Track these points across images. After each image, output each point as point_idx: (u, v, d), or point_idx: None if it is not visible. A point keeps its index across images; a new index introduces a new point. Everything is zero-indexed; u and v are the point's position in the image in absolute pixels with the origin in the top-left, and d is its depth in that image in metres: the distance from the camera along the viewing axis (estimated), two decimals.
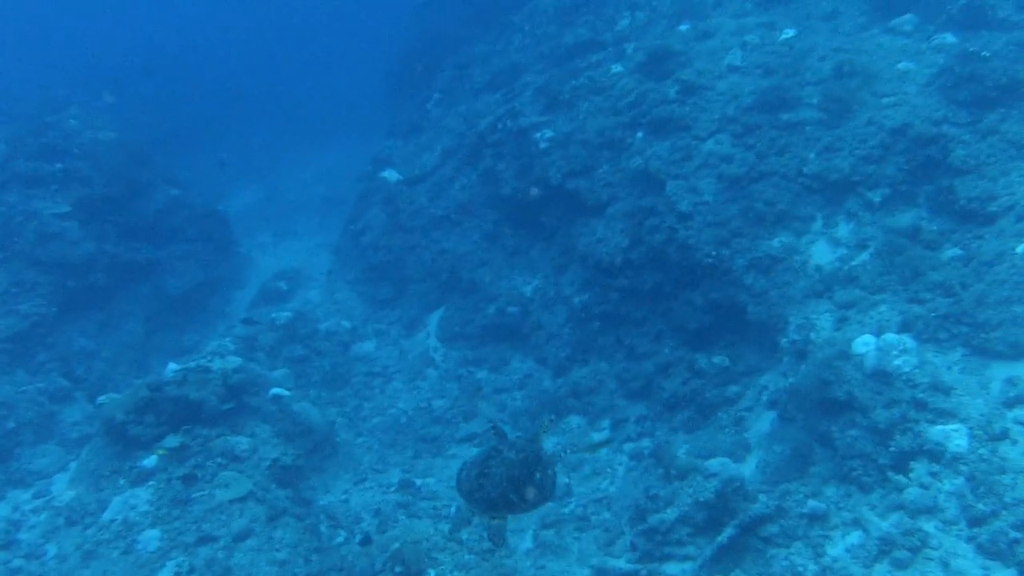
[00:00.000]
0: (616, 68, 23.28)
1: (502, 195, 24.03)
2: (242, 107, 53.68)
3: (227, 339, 22.66)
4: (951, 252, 15.09)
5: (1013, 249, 14.17)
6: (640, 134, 20.91)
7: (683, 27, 24.46)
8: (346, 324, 24.47)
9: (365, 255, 27.16)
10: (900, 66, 19.24)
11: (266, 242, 35.15)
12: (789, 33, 21.89)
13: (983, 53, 17.36)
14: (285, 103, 55.42)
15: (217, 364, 18.53)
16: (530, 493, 8.17)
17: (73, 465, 18.86)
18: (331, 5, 78.09)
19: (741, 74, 20.90)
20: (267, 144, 49.45)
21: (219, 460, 16.50)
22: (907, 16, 21.34)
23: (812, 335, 15.14)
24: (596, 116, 22.19)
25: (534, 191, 22.69)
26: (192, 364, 18.61)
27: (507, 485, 8.12)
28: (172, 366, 18.77)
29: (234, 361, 18.83)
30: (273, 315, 23.66)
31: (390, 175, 28.39)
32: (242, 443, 17.01)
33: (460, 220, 25.46)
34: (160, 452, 16.31)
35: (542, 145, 22.65)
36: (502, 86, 28.50)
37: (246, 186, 43.77)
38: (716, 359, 17.72)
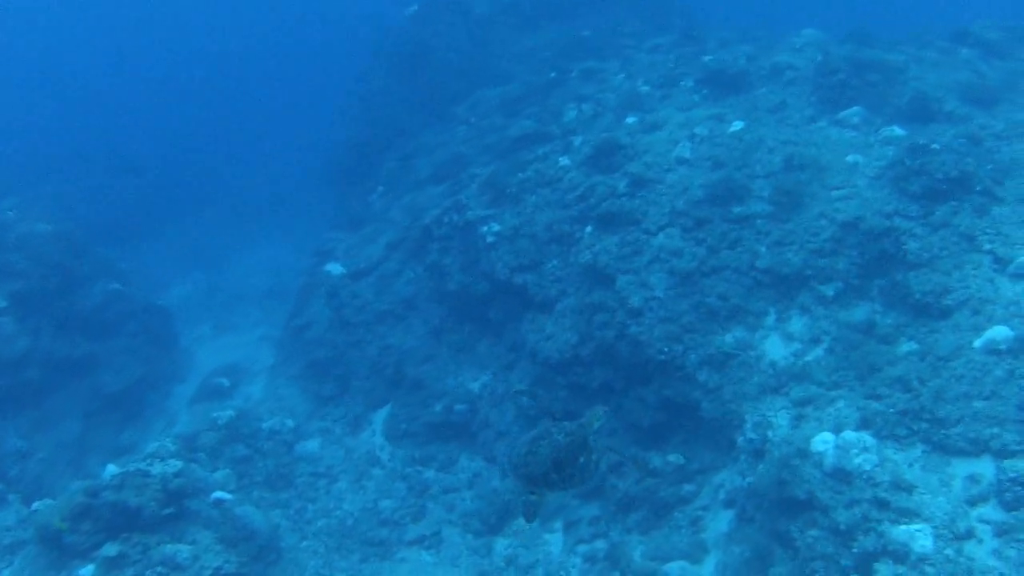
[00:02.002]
0: (563, 161, 23.49)
1: (448, 290, 24.01)
2: (183, 196, 53.42)
3: (167, 439, 22.21)
4: (907, 347, 15.24)
5: (970, 343, 14.35)
6: (589, 228, 21.03)
7: (630, 119, 24.81)
8: (289, 422, 24.13)
9: (308, 350, 26.91)
10: (849, 159, 19.62)
11: (207, 335, 34.71)
12: (738, 125, 22.24)
13: (933, 146, 17.75)
14: (227, 191, 55.27)
15: (157, 468, 18.16)
16: (570, 475, 8.76)
17: (6, 573, 18.30)
18: (273, 93, 78.59)
19: (690, 167, 21.17)
20: (208, 233, 49.23)
21: (159, 569, 16.10)
22: (854, 108, 21.84)
23: (769, 433, 15.15)
24: (544, 210, 22.32)
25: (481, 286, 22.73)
26: (131, 468, 18.22)
27: (551, 465, 8.71)
28: (110, 468, 18.36)
29: (174, 464, 18.46)
30: (215, 414, 23.29)
31: (334, 268, 28.28)
32: (183, 551, 16.62)
33: (405, 315, 25.36)
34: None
35: (489, 239, 22.69)
36: (447, 178, 28.62)
37: (187, 276, 43.31)
38: (670, 457, 17.65)
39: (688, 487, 17.16)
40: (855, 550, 12.54)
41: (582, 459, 8.87)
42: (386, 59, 40.93)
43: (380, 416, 24.08)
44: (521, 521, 18.88)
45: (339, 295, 26.93)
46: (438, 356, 24.09)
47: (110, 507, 16.84)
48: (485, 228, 23.10)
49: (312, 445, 23.65)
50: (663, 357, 17.79)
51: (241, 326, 35.40)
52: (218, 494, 18.84)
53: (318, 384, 25.92)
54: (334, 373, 25.72)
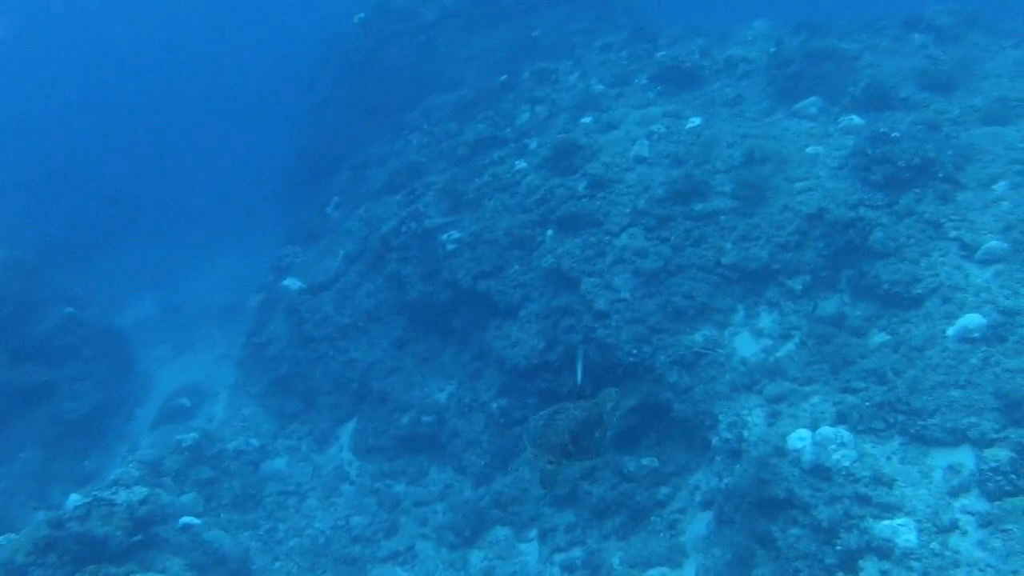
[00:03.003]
0: (520, 164, 23.35)
1: (410, 300, 23.76)
2: (137, 215, 52.96)
3: (131, 464, 21.86)
4: (879, 338, 15.21)
5: (943, 332, 14.31)
6: (550, 231, 20.90)
7: (586, 119, 24.72)
8: (255, 442, 23.80)
9: (270, 368, 26.58)
10: (809, 150, 19.60)
11: (166, 356, 34.23)
12: (695, 121, 22.20)
13: (893, 134, 17.76)
14: (180, 209, 54.80)
15: (122, 496, 17.81)
16: (586, 447, 9.07)
17: None
18: (223, 106, 78.01)
19: (650, 165, 21.09)
20: (163, 252, 48.71)
21: None
22: (811, 99, 21.85)
23: (745, 432, 15.05)
24: (503, 215, 22.16)
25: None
26: (95, 496, 17.86)
27: (568, 437, 9.00)
28: (74, 498, 18.06)
29: (140, 492, 18.12)
30: (178, 437, 22.94)
31: (292, 283, 27.99)
32: None
33: (367, 327, 25.08)
34: None
35: (449, 247, 22.51)
36: (403, 186, 28.36)
37: (143, 297, 42.78)
38: (644, 460, 17.49)
39: (664, 490, 17.00)
40: (838, 548, 12.44)
41: (597, 434, 9.14)
42: (335, 68, 40.71)
43: (347, 431, 23.80)
44: (496, 532, 18.77)
45: (299, 310, 26.64)
46: (403, 368, 23.84)
47: (76, 538, 16.47)
48: (444, 236, 22.91)
49: (279, 464, 23.34)
50: (632, 359, 17.64)
51: (200, 345, 34.95)
52: (186, 519, 18.53)
53: (282, 401, 25.60)
54: (298, 390, 25.41)
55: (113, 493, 18.12)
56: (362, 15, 39.64)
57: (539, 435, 8.80)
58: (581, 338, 18.51)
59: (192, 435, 23.04)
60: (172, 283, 44.45)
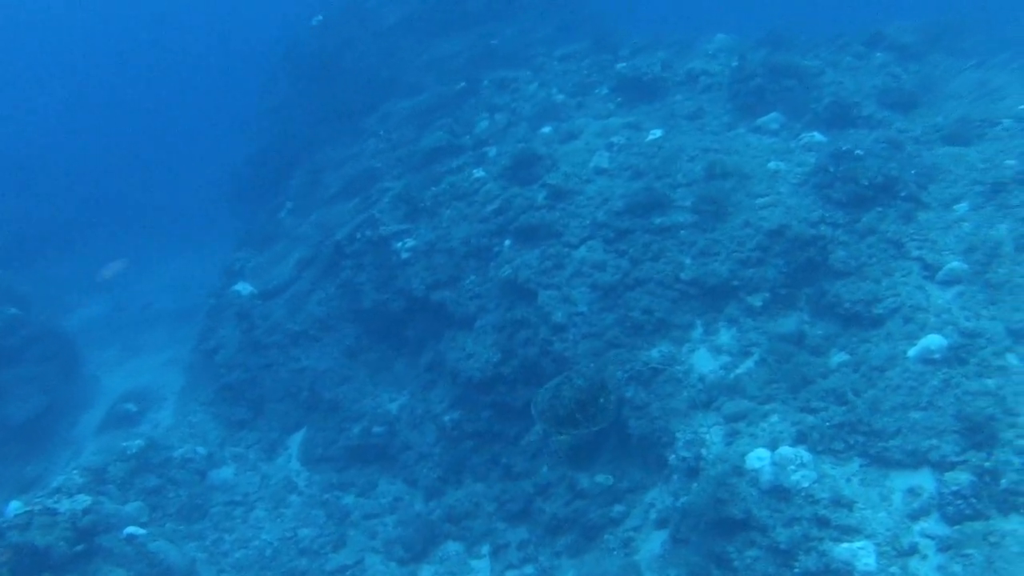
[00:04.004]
0: (479, 173, 23.23)
1: (363, 308, 23.56)
2: (85, 214, 52.33)
3: (74, 472, 21.44)
4: (839, 357, 15.19)
5: (904, 353, 14.29)
6: (508, 242, 20.77)
7: (546, 129, 24.64)
8: (202, 450, 23.43)
9: (219, 374, 26.20)
10: (771, 165, 19.60)
11: (113, 359, 33.79)
12: (656, 134, 22.17)
13: (856, 151, 17.78)
14: (130, 209, 54.25)
15: (65, 505, 17.51)
16: (593, 414, 10.01)
17: None
18: (177, 107, 77.42)
19: (610, 177, 21.03)
20: (112, 253, 48.07)
21: None
22: (772, 114, 21.88)
23: (703, 451, 14.95)
24: (460, 224, 22.03)
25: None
26: (37, 505, 17.51)
27: (574, 406, 10.12)
28: (14, 506, 17.70)
29: (83, 500, 17.82)
30: (123, 444, 22.55)
31: (243, 288, 27.68)
32: None
33: (319, 335, 24.82)
34: None
35: (404, 255, 22.34)
36: (358, 192, 28.16)
37: (90, 298, 42.24)
38: (599, 477, 17.32)
39: (618, 507, 16.83)
40: (797, 570, 12.35)
41: (601, 399, 9.43)
42: (292, 71, 40.48)
43: (296, 440, 23.51)
44: (447, 547, 18.58)
45: (250, 316, 26.33)
46: (354, 377, 23.61)
47: (15, 549, 16.14)
48: (399, 244, 22.74)
49: (226, 472, 23.01)
50: None
51: (149, 349, 34.52)
52: (130, 529, 18.22)
53: (230, 409, 25.23)
54: (247, 397, 25.07)
55: (55, 501, 17.82)
56: (320, 17, 39.49)
57: (548, 408, 9.18)
58: (538, 351, 18.38)
59: (138, 442, 22.67)
60: (122, 285, 43.90)
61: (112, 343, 35.40)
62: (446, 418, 20.56)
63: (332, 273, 25.51)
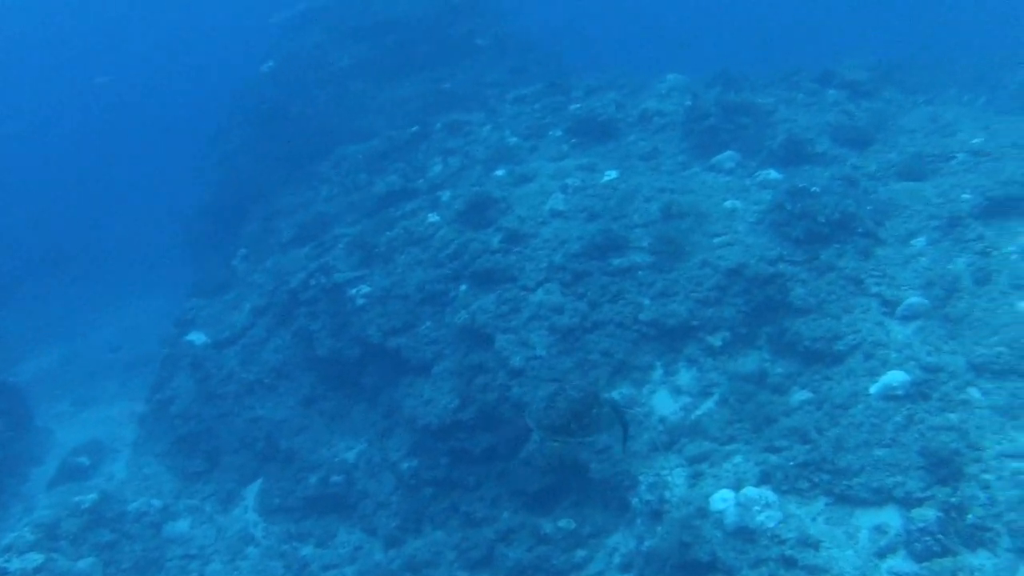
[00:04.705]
0: (433, 217, 23.13)
1: (319, 356, 23.31)
2: (34, 262, 51.78)
3: (25, 528, 21.05)
4: (801, 396, 15.16)
5: (866, 390, 14.30)
6: (464, 287, 20.66)
7: (499, 172, 24.60)
8: (156, 503, 23.09)
9: (174, 425, 25.86)
10: (727, 204, 19.66)
11: (65, 411, 33.32)
12: (611, 175, 22.19)
13: (812, 189, 17.86)
14: (81, 256, 53.69)
15: (15, 564, 17.19)
16: (587, 424, 10.10)
17: None
18: (129, 152, 76.92)
19: (565, 219, 20.99)
20: (63, 302, 47.62)
21: None
22: (727, 153, 21.97)
23: (666, 493, 14.84)
24: (415, 269, 21.90)
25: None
26: None
27: (568, 416, 10.05)
28: None
29: (34, 559, 17.53)
30: (76, 498, 22.18)
31: (196, 338, 27.40)
32: None
33: (275, 384, 24.57)
34: None
35: (359, 302, 22.16)
36: (311, 239, 28.00)
37: (41, 349, 41.74)
38: (561, 522, 17.17)
39: (581, 552, 16.68)
40: None
41: (595, 411, 10.32)
42: (243, 117, 40.28)
43: (252, 491, 23.21)
44: None
45: (204, 366, 26.04)
46: (311, 426, 23.36)
47: None
48: (354, 290, 22.56)
49: (182, 525, 22.68)
50: None
51: (102, 400, 34.08)
52: None
53: (185, 460, 24.92)
54: (202, 448, 24.77)
55: (6, 560, 17.52)
56: (271, 63, 39.44)
57: (543, 417, 10.27)
58: (496, 396, 18.24)
59: (91, 496, 22.35)
60: (73, 335, 43.47)
61: (64, 395, 34.93)
62: (404, 466, 20.35)
63: (287, 321, 25.30)
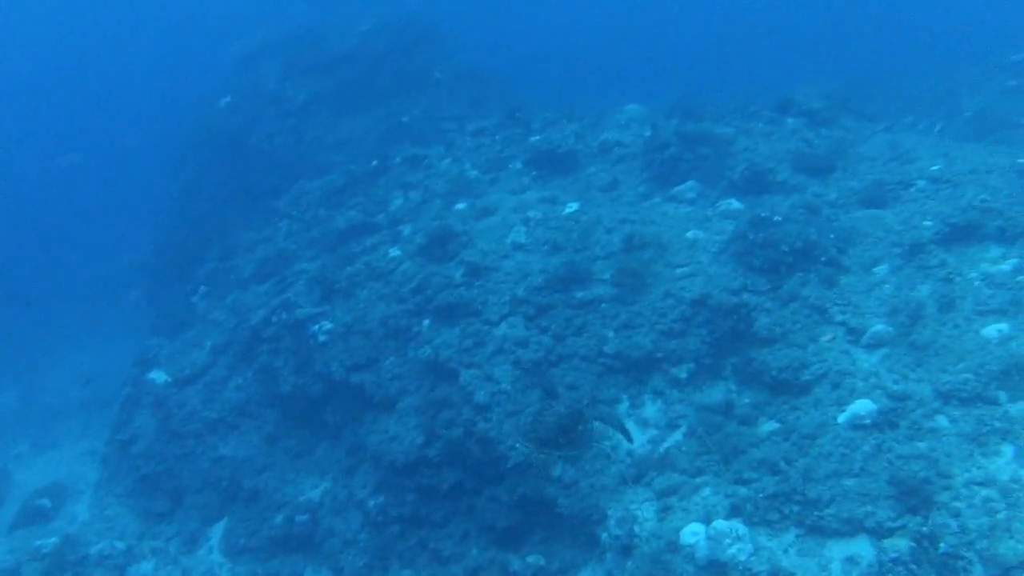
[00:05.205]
0: (394, 252, 23.08)
1: (281, 393, 23.15)
2: None
3: None
4: (768, 426, 15.13)
5: (834, 419, 14.28)
6: (427, 321, 20.57)
7: (460, 206, 24.57)
8: (120, 544, 22.79)
9: (136, 466, 25.56)
10: (689, 235, 19.69)
11: (25, 453, 32.95)
12: (572, 207, 22.19)
13: (775, 218, 17.89)
14: (38, 294, 53.04)
15: None
16: (572, 439, 10.77)
17: None
18: (84, 187, 76.23)
19: (527, 252, 20.96)
20: (19, 341, 47.02)
21: None
22: (688, 183, 22.03)
23: (636, 527, 14.74)
24: (377, 304, 21.81)
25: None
26: None
27: (556, 431, 10.77)
28: None
29: None
30: (37, 542, 21.86)
31: (158, 376, 27.14)
32: None
33: (237, 423, 24.35)
34: None
35: (321, 338, 22.04)
36: (272, 275, 27.84)
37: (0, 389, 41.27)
38: (530, 558, 17.04)
39: None
40: None
41: (580, 427, 11.19)
42: (200, 153, 40.20)
43: (217, 531, 22.97)
44: None
45: (165, 405, 25.79)
46: (275, 464, 23.14)
47: None
48: (316, 326, 22.44)
49: (146, 568, 22.43)
50: (515, 453, 17.26)
51: (62, 442, 33.73)
52: None
53: (148, 501, 24.64)
54: (165, 488, 24.49)
55: None
56: (229, 99, 39.29)
57: (531, 431, 11.16)
58: (462, 432, 18.10)
59: (52, 540, 22.10)
60: (31, 375, 42.97)
61: (23, 436, 34.55)
62: (371, 503, 20.16)
63: (248, 358, 25.10)
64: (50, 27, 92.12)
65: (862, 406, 14.07)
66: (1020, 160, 19.16)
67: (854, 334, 15.73)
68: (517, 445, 12.39)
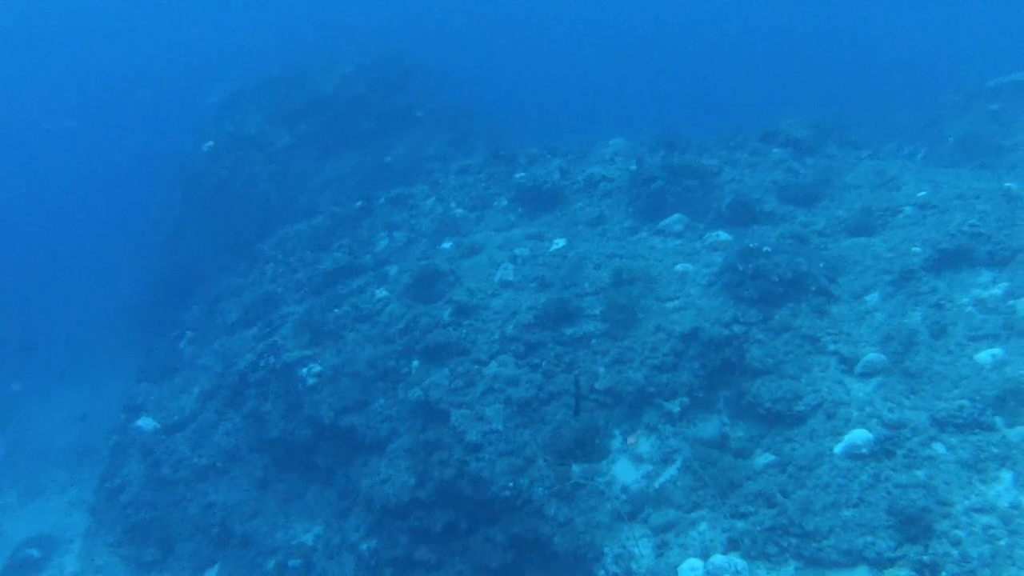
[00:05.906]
0: (381, 293, 23.01)
1: (271, 438, 22.99)
2: None
3: None
4: (764, 459, 15.04)
5: (830, 450, 14.22)
6: (416, 362, 20.47)
7: (446, 245, 24.53)
8: None
9: (126, 514, 25.33)
10: (678, 268, 19.67)
11: (12, 504, 32.67)
12: (559, 243, 22.15)
13: (764, 248, 17.85)
14: (20, 340, 52.80)
15: None
16: (588, 452, 11.41)
17: None
18: (70, 233, 76.13)
19: (516, 289, 20.89)
20: (5, 389, 46.77)
21: None
22: (675, 216, 22.01)
23: (633, 565, 14.62)
24: (365, 346, 21.70)
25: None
26: None
27: (573, 444, 11.54)
28: None
29: None
30: None
31: (146, 423, 26.96)
32: None
33: (227, 468, 24.16)
34: None
35: (310, 381, 21.92)
36: (258, 319, 27.74)
37: None
38: None
39: None
40: None
41: (597, 441, 11.92)
42: (184, 198, 40.15)
43: None
44: None
45: (154, 452, 25.60)
46: (266, 509, 22.97)
47: None
48: (304, 370, 22.31)
49: None
50: (508, 493, 17.10)
51: (49, 491, 33.47)
52: None
53: (139, 549, 24.39)
54: (156, 536, 24.25)
55: None
56: (211, 143, 39.32)
57: (550, 443, 11.93)
58: (454, 472, 17.97)
59: None
60: (15, 423, 42.68)
61: (11, 486, 34.27)
62: (364, 547, 19.99)
63: (237, 403, 24.96)
64: (31, 73, 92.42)
65: (858, 435, 14.00)
66: (1006, 184, 19.20)
67: (847, 363, 15.68)
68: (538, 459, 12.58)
